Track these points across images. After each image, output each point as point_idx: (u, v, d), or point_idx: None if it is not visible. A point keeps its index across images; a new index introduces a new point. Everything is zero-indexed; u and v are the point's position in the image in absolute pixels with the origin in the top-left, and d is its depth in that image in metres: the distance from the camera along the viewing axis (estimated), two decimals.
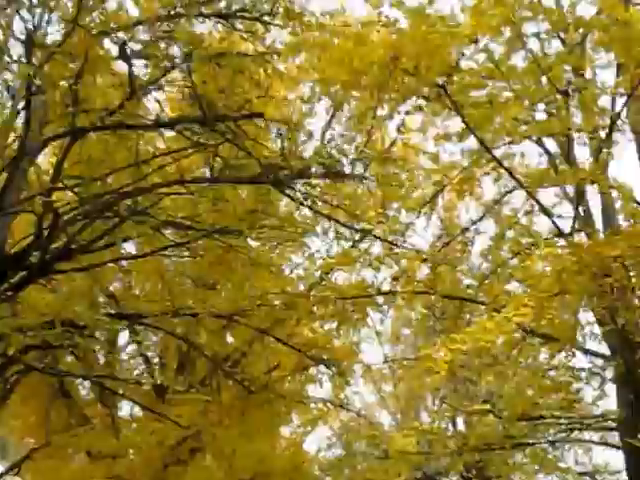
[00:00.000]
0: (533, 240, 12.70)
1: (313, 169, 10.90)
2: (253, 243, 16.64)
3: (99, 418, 17.46)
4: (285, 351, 17.79)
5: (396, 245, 12.40)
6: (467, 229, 13.15)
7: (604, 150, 10.97)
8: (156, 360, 19.42)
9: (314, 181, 11.14)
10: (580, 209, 11.81)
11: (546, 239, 12.09)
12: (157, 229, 12.10)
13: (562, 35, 11.70)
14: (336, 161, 10.58)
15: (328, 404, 20.34)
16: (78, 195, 10.93)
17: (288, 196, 11.52)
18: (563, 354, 12.12)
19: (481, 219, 13.29)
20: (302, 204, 11.54)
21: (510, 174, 11.68)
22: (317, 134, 12.83)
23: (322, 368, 18.86)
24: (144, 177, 10.80)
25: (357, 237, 12.83)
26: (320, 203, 11.53)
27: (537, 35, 11.11)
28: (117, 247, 12.59)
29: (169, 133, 12.04)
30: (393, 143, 13.22)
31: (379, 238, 12.25)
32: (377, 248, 13.32)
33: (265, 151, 10.96)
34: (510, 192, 13.34)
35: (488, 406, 11.69)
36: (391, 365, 22.57)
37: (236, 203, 11.83)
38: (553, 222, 11.49)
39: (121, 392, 16.35)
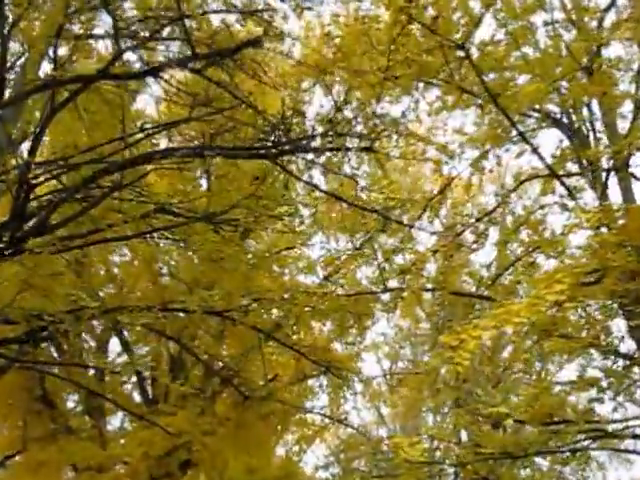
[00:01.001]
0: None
1: (314, 143, 9.47)
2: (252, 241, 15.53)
3: (86, 431, 15.87)
4: (283, 361, 16.46)
5: (411, 227, 11.00)
6: (480, 219, 11.70)
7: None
8: (147, 373, 17.86)
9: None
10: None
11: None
12: (146, 215, 10.73)
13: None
14: (341, 128, 9.09)
15: (326, 419, 18.90)
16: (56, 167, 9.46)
17: (286, 170, 10.11)
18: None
19: (495, 209, 11.86)
20: (301, 180, 10.13)
21: (533, 149, 10.32)
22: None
23: (321, 380, 17.70)
24: (127, 147, 9.31)
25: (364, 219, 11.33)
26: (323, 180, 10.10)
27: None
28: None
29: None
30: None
31: (389, 218, 10.82)
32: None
33: (262, 114, 9.46)
34: (527, 181, 11.94)
35: (506, 410, 10.16)
36: (389, 381, 21.07)
37: (233, 184, 10.37)
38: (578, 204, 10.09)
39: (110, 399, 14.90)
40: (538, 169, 11.98)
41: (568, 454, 11.38)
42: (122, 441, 15.81)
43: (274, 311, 12.91)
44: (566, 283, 7.25)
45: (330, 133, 9.06)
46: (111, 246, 14.08)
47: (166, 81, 9.33)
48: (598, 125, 11.88)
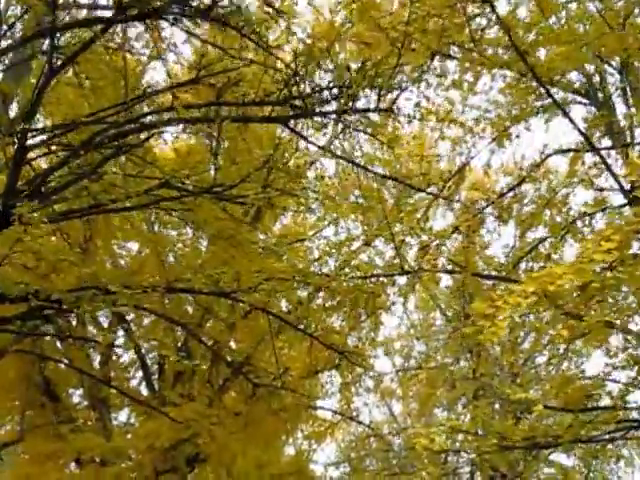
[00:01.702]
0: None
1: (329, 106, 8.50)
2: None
3: (90, 424, 14.88)
4: (295, 355, 15.48)
5: (437, 196, 10.03)
6: (503, 194, 10.70)
7: None
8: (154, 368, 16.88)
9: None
10: None
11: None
12: (150, 190, 9.77)
13: None
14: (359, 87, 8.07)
15: (337, 416, 17.89)
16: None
17: (298, 134, 9.12)
18: None
19: (520, 184, 10.84)
20: (314, 144, 9.16)
21: (563, 111, 9.33)
22: None
23: (332, 376, 16.71)
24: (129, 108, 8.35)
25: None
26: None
27: None
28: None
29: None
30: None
31: (412, 186, 9.84)
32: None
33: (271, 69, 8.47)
34: (553, 155, 10.96)
35: (537, 394, 9.18)
36: (402, 377, 20.02)
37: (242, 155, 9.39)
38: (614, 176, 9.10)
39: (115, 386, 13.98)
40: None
41: (598, 446, 10.34)
42: (127, 435, 14.85)
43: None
44: (615, 241, 6.29)
45: (347, 92, 8.05)
46: (116, 231, 13.19)
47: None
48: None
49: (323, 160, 12.85)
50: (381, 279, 11.09)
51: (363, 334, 15.01)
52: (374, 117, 8.68)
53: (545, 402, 9.43)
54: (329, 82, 8.08)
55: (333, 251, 11.51)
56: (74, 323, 14.75)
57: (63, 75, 9.60)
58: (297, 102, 8.13)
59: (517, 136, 10.55)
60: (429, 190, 10.43)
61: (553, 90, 10.82)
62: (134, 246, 13.84)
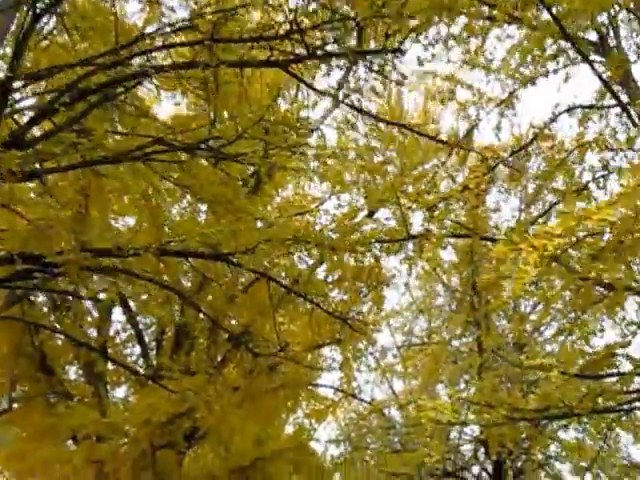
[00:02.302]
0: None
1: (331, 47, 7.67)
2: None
3: (86, 400, 14.12)
4: (295, 330, 14.71)
5: (453, 146, 9.23)
6: (515, 152, 9.84)
7: None
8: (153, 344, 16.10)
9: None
10: None
11: None
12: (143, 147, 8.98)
13: None
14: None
15: (338, 393, 17.08)
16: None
17: (302, 81, 8.29)
18: None
19: (531, 142, 9.99)
20: (316, 90, 8.33)
21: (584, 57, 8.51)
22: None
23: (333, 353, 15.94)
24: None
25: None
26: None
27: None
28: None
29: None
30: None
31: (423, 134, 9.04)
32: None
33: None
34: (567, 111, 10.13)
35: (552, 361, 8.34)
36: (404, 353, 19.21)
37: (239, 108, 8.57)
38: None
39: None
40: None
41: (613, 416, 9.54)
42: (124, 412, 14.09)
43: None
44: None
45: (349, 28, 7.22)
46: (111, 202, 12.40)
47: None
48: None
49: (324, 128, 12.17)
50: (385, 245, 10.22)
51: (365, 309, 14.23)
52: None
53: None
54: (331, 16, 7.22)
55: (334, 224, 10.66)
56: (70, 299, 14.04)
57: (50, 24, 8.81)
58: (296, 36, 7.27)
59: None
60: (440, 139, 9.60)
61: (567, 45, 10.05)
62: (130, 221, 13.00)
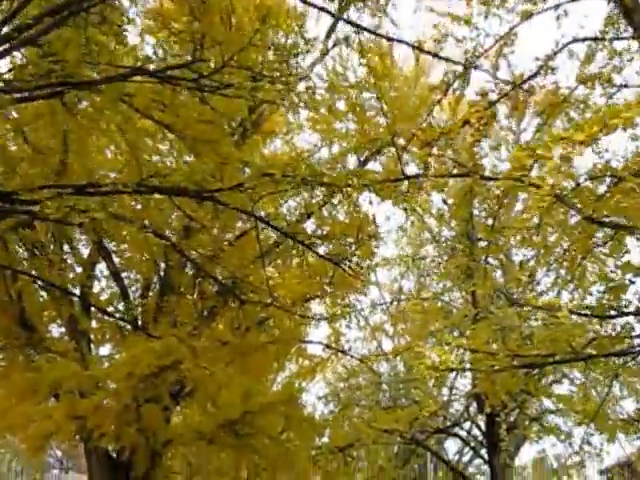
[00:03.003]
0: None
1: None
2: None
3: (68, 353, 13.24)
4: (285, 283, 13.87)
5: (466, 66, 8.38)
6: (518, 85, 8.95)
7: None
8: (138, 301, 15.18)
9: None
10: None
11: None
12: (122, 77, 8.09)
13: None
14: None
15: (327, 350, 16.33)
16: None
17: None
18: None
19: (535, 75, 9.09)
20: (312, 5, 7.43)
21: None
22: None
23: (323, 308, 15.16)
24: None
25: None
26: None
27: None
28: None
29: None
30: None
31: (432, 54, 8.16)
32: None
33: None
34: (572, 43, 9.22)
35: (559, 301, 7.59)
36: (394, 310, 18.42)
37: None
38: None
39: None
40: None
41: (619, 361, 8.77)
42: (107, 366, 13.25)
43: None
44: None
45: None
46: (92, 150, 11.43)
47: None
48: None
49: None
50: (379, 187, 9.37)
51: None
52: None
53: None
54: None
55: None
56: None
57: None
58: None
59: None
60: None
61: None
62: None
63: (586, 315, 7.85)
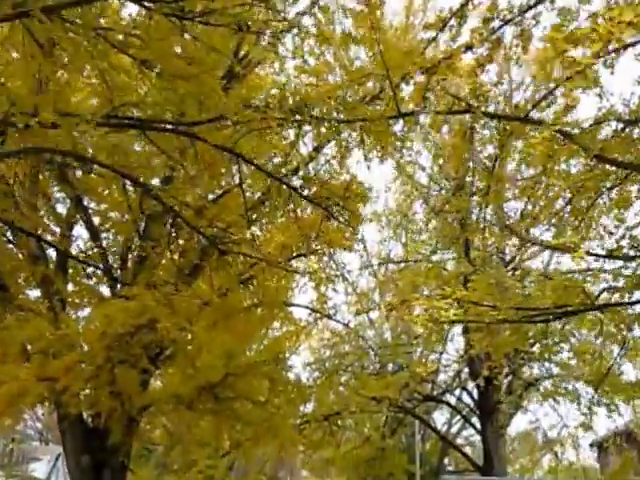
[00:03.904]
0: None
1: None
2: None
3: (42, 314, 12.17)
4: (268, 238, 12.87)
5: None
6: (525, 11, 7.86)
7: None
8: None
9: None
10: None
11: None
12: None
13: None
14: None
15: (313, 314, 15.34)
16: None
17: None
18: None
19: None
20: None
21: None
22: None
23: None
24: None
25: None
26: None
27: None
28: None
29: None
30: None
31: None
32: None
33: None
34: None
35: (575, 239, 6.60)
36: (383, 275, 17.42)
37: None
38: None
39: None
40: None
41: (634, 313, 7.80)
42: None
43: None
44: None
45: None
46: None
47: None
48: None
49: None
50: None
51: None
52: None
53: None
54: None
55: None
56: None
57: None
58: None
59: None
60: None
61: None
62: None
63: (604, 256, 6.87)
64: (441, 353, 16.15)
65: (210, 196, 12.68)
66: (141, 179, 8.86)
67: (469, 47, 7.53)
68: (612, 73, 8.60)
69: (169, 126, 7.57)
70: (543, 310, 7.41)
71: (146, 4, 7.11)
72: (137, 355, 10.92)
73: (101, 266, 13.23)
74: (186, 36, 8.61)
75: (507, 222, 9.39)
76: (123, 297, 10.77)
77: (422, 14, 12.93)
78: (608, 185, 7.97)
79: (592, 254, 7.15)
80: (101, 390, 10.88)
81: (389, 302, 11.66)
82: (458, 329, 15.25)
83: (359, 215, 10.96)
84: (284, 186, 8.59)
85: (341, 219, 9.08)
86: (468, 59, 7.74)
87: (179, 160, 8.63)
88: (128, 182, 12.41)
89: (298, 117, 7.70)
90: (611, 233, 7.57)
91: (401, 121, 8.40)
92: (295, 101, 7.33)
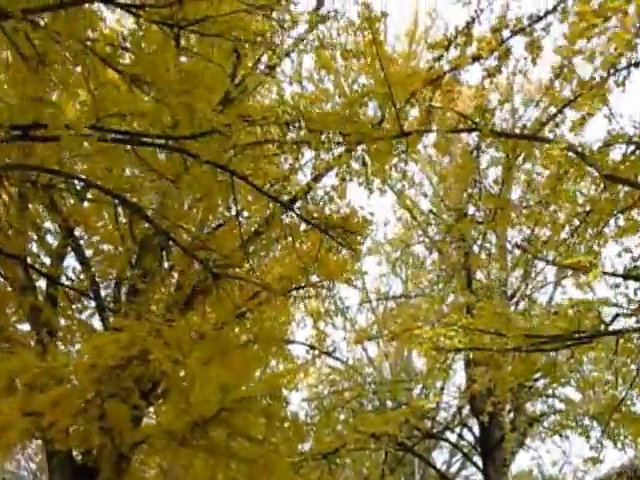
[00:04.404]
0: None
1: None
2: None
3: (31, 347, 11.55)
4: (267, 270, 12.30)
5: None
6: (536, 21, 7.38)
7: None
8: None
9: None
10: None
11: None
12: None
13: None
14: None
15: (312, 352, 14.69)
16: None
17: None
18: None
19: (554, 10, 7.52)
20: None
21: None
22: None
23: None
24: None
25: None
26: None
27: None
28: None
29: None
30: None
31: None
32: None
33: None
34: None
35: (591, 258, 6.04)
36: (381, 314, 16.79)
37: None
38: None
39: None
40: None
41: None
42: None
43: None
44: None
45: None
46: None
47: None
48: None
49: None
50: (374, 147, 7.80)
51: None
52: None
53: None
54: None
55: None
56: None
57: None
58: None
59: None
60: None
61: None
62: None
63: (621, 276, 6.32)
64: (442, 388, 15.49)
65: (205, 230, 12.23)
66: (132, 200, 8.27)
67: (477, 58, 7.05)
68: (623, 91, 8.17)
69: (159, 141, 7.04)
70: (553, 337, 6.83)
71: (134, 11, 6.62)
72: (128, 389, 10.29)
73: (91, 294, 12.66)
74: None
75: (518, 242, 8.77)
76: (114, 329, 10.23)
77: (425, 43, 12.57)
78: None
79: (608, 273, 6.60)
80: (90, 425, 10.23)
81: (391, 331, 10.97)
82: (459, 365, 14.65)
83: (360, 242, 10.41)
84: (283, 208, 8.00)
85: (342, 242, 8.42)
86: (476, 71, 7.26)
87: (173, 182, 8.07)
88: (120, 210, 12.00)
89: (296, 133, 7.17)
90: (629, 251, 7.03)
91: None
92: (293, 116, 6.81)
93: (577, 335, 6.68)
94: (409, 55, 13.05)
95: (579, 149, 7.46)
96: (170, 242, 9.82)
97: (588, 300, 6.67)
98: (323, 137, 7.45)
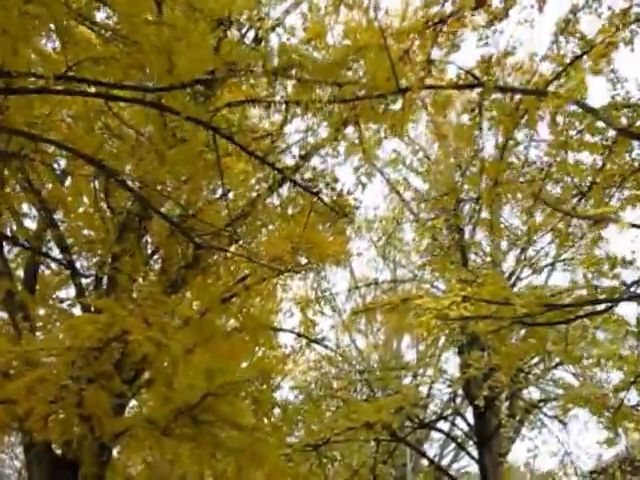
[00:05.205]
0: None
1: None
2: None
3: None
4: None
5: None
6: None
7: None
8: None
9: None
10: None
11: None
12: None
13: None
14: None
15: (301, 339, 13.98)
16: None
17: None
18: None
19: None
20: None
21: None
22: None
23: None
24: None
25: None
26: None
27: None
28: None
29: None
30: None
31: None
32: None
33: None
34: None
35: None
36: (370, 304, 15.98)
37: None
38: None
39: None
40: None
41: None
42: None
43: None
44: None
45: None
46: None
47: None
48: None
49: None
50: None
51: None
52: None
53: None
54: None
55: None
56: None
57: None
58: None
59: None
60: None
61: None
62: None
63: None
64: (437, 371, 14.74)
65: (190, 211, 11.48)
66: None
67: (480, 3, 6.32)
68: (632, 50, 7.48)
69: (135, 94, 6.25)
70: (569, 304, 6.10)
71: None
72: (108, 373, 9.45)
73: (69, 272, 11.89)
74: None
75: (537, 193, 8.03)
76: (94, 311, 9.46)
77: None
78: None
79: (636, 225, 5.89)
80: (69, 413, 9.39)
81: (389, 301, 10.20)
82: (452, 352, 13.95)
83: (351, 205, 9.65)
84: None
85: (333, 207, 7.65)
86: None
87: (151, 141, 7.25)
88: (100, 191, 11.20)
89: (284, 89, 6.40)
90: None
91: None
92: (282, 62, 6.04)
93: (597, 299, 5.95)
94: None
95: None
96: (151, 213, 8.97)
97: (610, 256, 5.96)
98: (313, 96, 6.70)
